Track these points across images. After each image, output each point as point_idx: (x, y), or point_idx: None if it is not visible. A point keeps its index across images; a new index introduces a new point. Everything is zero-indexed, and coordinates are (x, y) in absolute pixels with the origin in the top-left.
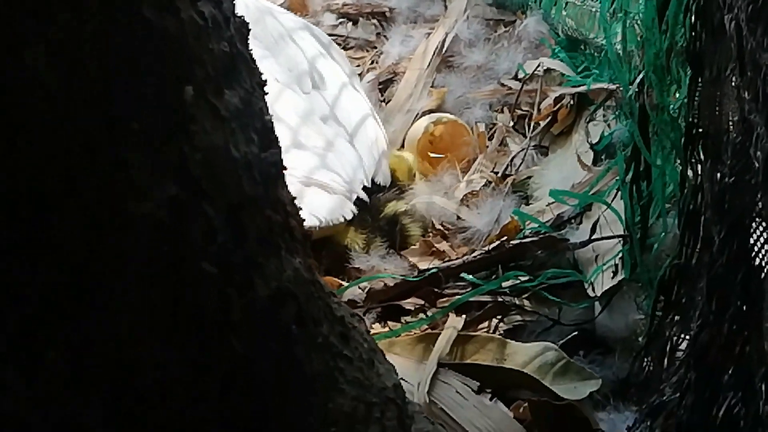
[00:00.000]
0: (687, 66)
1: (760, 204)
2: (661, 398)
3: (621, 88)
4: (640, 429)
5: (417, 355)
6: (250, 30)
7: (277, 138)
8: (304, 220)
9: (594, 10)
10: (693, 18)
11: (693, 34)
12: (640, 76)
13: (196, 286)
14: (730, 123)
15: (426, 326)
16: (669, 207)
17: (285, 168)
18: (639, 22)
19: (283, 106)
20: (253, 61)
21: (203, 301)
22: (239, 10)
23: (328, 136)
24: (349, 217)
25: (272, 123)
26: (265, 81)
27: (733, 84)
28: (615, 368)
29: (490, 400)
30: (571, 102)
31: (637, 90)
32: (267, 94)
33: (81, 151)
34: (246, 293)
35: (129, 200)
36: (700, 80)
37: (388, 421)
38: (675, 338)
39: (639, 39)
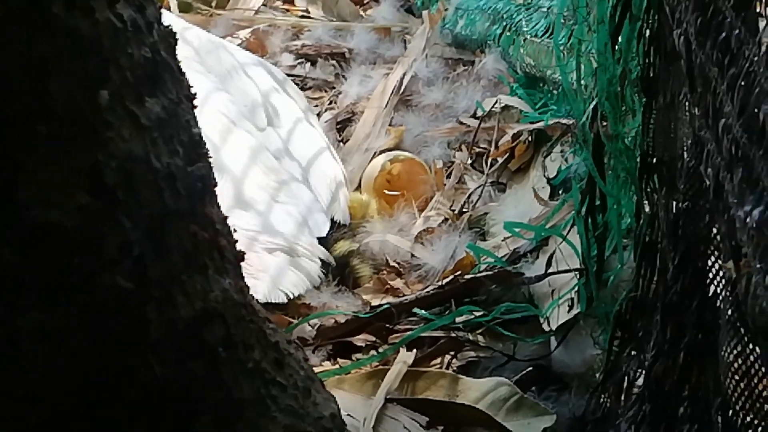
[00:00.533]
0: (641, 93)
1: (713, 227)
2: None
3: (577, 122)
4: None
5: (366, 392)
6: (177, 40)
7: (206, 153)
8: (236, 241)
9: (551, 47)
10: (646, 44)
11: (646, 60)
12: (593, 102)
13: (110, 302)
14: (685, 149)
15: (377, 363)
16: (626, 241)
17: (215, 184)
18: (593, 52)
19: (233, 146)
20: (181, 72)
21: (117, 318)
22: (191, 40)
23: (281, 176)
24: (317, 283)
25: (201, 137)
26: (194, 94)
27: (686, 107)
28: (571, 404)
29: None
30: (529, 138)
31: (590, 118)
32: (196, 107)
33: None
34: (166, 311)
35: (33, 207)
36: (654, 107)
37: None
38: (632, 373)
39: (594, 70)
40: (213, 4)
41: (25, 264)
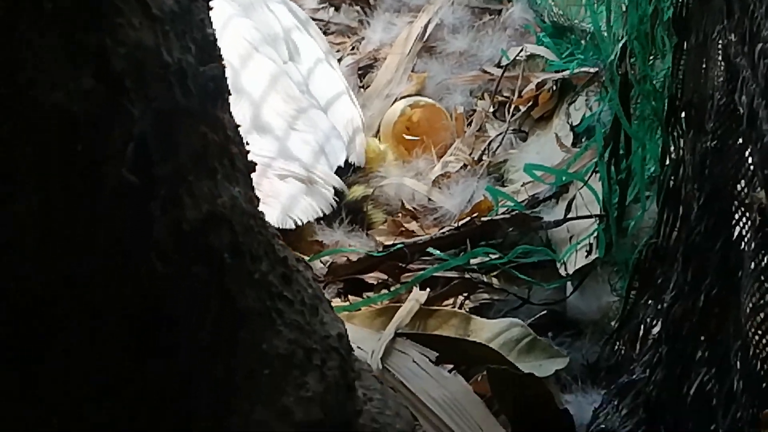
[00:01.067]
0: (672, 34)
1: (741, 167)
2: (631, 377)
3: (604, 68)
4: (608, 409)
5: (376, 328)
6: None
7: (220, 56)
8: (249, 151)
9: None
10: None
11: None
12: (622, 41)
13: (114, 195)
14: (715, 89)
15: (388, 301)
16: (648, 187)
17: (228, 92)
18: None
19: (253, 71)
20: None
21: (121, 211)
22: None
23: (301, 104)
24: (328, 211)
25: (215, 39)
26: None
27: (719, 46)
28: (585, 351)
29: (450, 372)
30: (554, 87)
31: (618, 58)
32: (211, 9)
33: None
34: (171, 210)
35: (36, 87)
36: (685, 47)
37: (329, 371)
38: (649, 321)
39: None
40: None
41: (25, 145)
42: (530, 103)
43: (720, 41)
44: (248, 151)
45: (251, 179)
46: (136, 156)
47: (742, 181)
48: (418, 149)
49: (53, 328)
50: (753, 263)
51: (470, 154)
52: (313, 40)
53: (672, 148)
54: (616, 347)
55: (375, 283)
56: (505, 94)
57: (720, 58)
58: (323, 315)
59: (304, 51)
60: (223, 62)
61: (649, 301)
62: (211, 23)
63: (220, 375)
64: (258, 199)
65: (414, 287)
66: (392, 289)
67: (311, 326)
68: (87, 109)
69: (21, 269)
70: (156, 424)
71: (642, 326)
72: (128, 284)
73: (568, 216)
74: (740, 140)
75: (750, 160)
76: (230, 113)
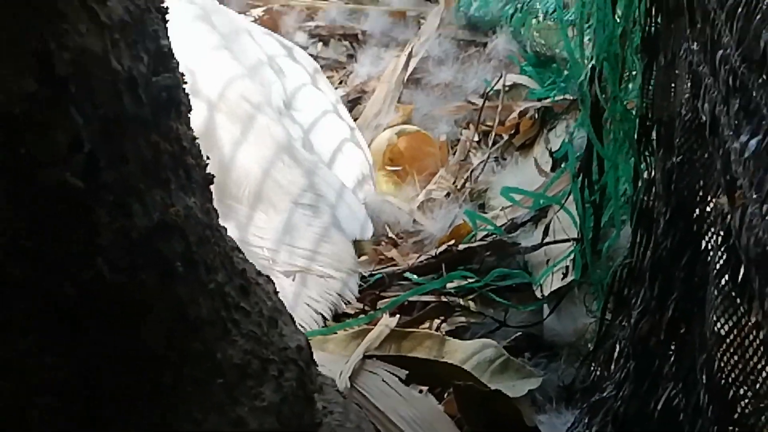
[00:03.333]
0: (641, 53)
1: (706, 180)
2: (602, 395)
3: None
4: (579, 428)
5: (349, 352)
6: None
7: (176, 67)
8: (207, 164)
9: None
10: (647, 2)
11: (647, 18)
12: (591, 63)
13: (58, 198)
14: (683, 106)
15: (364, 325)
16: (623, 215)
17: (185, 103)
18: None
19: (256, 139)
20: None
21: (65, 214)
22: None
23: (306, 166)
24: (342, 303)
25: (170, 50)
26: (167, 9)
27: (686, 63)
28: (561, 372)
29: (421, 393)
30: (536, 115)
31: (589, 79)
32: (167, 21)
33: None
34: (119, 218)
35: None
36: (654, 67)
37: (286, 381)
38: (623, 342)
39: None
40: None
41: None
42: (512, 131)
43: (686, 58)
44: (207, 164)
45: (210, 191)
46: (83, 161)
47: (707, 196)
48: (403, 177)
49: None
50: (717, 277)
51: (454, 182)
52: (321, 92)
53: (644, 168)
54: (592, 368)
55: (353, 312)
56: (489, 123)
57: (686, 74)
58: (282, 327)
59: (310, 103)
60: (180, 73)
61: (623, 323)
62: (166, 34)
63: (167, 382)
64: (216, 212)
65: (385, 313)
66: (369, 313)
67: (269, 337)
68: (29, 112)
69: None
70: (105, 429)
71: (616, 346)
72: (72, 287)
73: (546, 240)
74: (705, 155)
75: (714, 174)
76: (187, 125)
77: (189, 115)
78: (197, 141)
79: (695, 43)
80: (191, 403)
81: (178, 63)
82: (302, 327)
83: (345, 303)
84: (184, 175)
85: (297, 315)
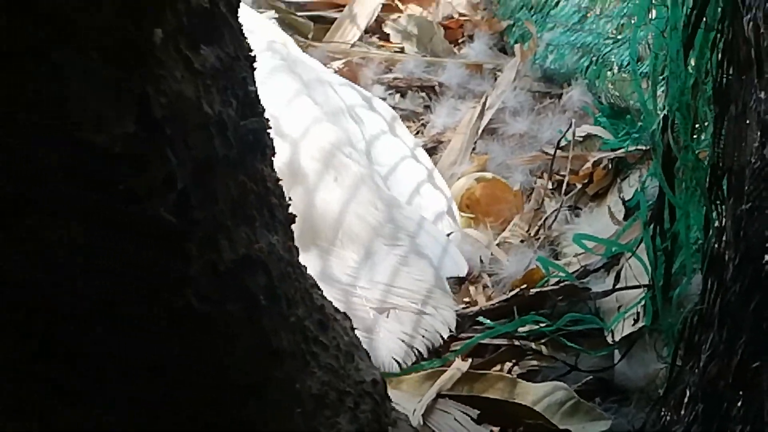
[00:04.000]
0: (713, 104)
1: None
2: None
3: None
4: None
5: (423, 392)
6: (239, 3)
7: (262, 113)
8: (289, 205)
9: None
10: (719, 53)
11: (719, 70)
12: (663, 112)
13: (153, 231)
14: (752, 155)
15: (437, 367)
16: (695, 263)
17: (272, 149)
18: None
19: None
20: (242, 33)
21: (159, 247)
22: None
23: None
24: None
25: (257, 96)
26: (254, 57)
27: (756, 113)
28: (631, 416)
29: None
30: (609, 165)
31: (661, 128)
32: (255, 69)
33: (25, 56)
34: (208, 251)
35: (82, 128)
36: (725, 117)
37: (362, 413)
38: (693, 387)
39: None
40: (309, 36)
41: (69, 182)
42: (586, 181)
43: (756, 108)
44: (289, 204)
45: (291, 230)
46: (176, 198)
47: None
48: (478, 224)
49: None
50: None
51: (528, 230)
52: (399, 139)
53: (715, 216)
54: (662, 413)
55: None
56: (563, 173)
57: (756, 124)
58: (359, 362)
59: (389, 149)
60: (266, 118)
61: (694, 368)
62: (253, 81)
63: (253, 411)
64: (297, 250)
65: (458, 357)
66: (443, 357)
67: (346, 371)
68: (128, 150)
69: (61, 303)
70: None
71: (687, 392)
72: (163, 318)
73: (617, 286)
74: None
75: None
76: (271, 166)
77: (273, 158)
78: (280, 182)
79: (763, 93)
80: (272, 431)
81: (264, 108)
82: (397, 362)
83: (442, 339)
84: (267, 214)
85: (391, 350)
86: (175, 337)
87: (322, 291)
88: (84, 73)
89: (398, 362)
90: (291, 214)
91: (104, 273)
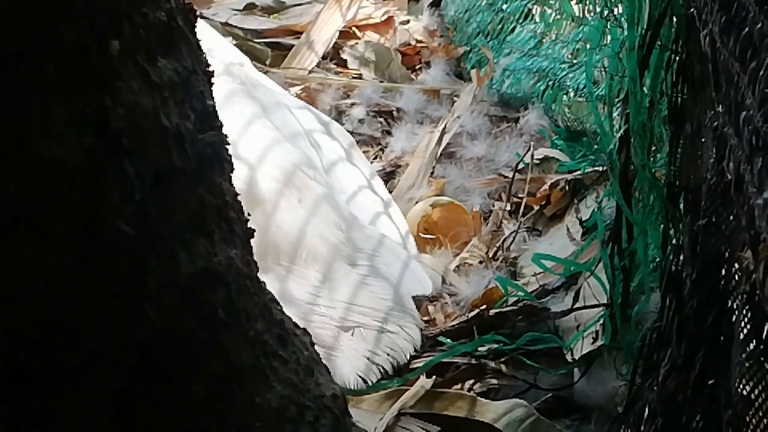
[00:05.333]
0: (669, 123)
1: (731, 241)
2: None
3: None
4: None
5: (383, 411)
6: (197, 18)
7: (220, 127)
8: (248, 220)
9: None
10: (674, 73)
11: (674, 89)
12: (620, 132)
13: (110, 244)
14: (708, 172)
15: (398, 386)
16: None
17: (230, 163)
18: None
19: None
20: (200, 48)
21: (117, 259)
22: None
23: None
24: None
25: (215, 110)
26: (212, 72)
27: (711, 131)
28: None
29: None
30: (566, 187)
31: (618, 147)
32: (212, 84)
33: None
34: (167, 265)
35: (41, 141)
36: (681, 136)
37: (322, 428)
38: (653, 404)
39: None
40: (267, 62)
41: (26, 197)
42: (543, 202)
43: (712, 125)
44: (248, 219)
45: (250, 245)
46: (134, 210)
47: (732, 256)
48: (436, 246)
49: (46, 372)
50: (742, 335)
51: (486, 252)
52: (356, 168)
53: (672, 233)
54: (622, 430)
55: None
56: (521, 195)
57: (712, 139)
58: (318, 377)
59: (344, 178)
60: (224, 132)
61: (653, 386)
62: (211, 95)
63: (212, 425)
64: (256, 265)
65: (421, 374)
66: (403, 375)
67: (305, 385)
68: (86, 163)
69: (18, 317)
70: None
71: (647, 409)
72: (122, 330)
73: (575, 306)
74: (729, 216)
75: (738, 234)
76: (230, 181)
77: (231, 174)
78: (238, 197)
79: (720, 106)
80: None
81: (222, 123)
82: (362, 379)
83: (407, 357)
84: (226, 228)
85: (356, 368)
86: (132, 354)
87: (281, 306)
88: (42, 85)
89: (363, 379)
90: (250, 228)
91: (63, 292)
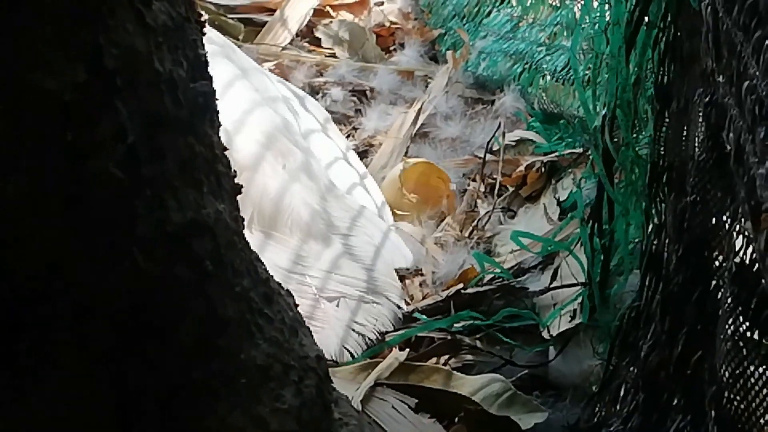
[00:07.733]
0: (654, 101)
1: (720, 218)
2: (609, 430)
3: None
4: None
5: (358, 382)
6: None
7: (210, 78)
8: (236, 175)
9: (568, 82)
10: (661, 51)
11: (661, 67)
12: (605, 109)
13: (100, 186)
14: (696, 148)
15: (371, 357)
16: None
17: (217, 111)
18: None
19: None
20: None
21: (106, 202)
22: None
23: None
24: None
25: (206, 61)
26: (204, 22)
27: (700, 109)
28: (566, 412)
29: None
30: (542, 169)
31: (601, 124)
32: (204, 34)
33: None
34: (156, 211)
35: (34, 71)
36: (666, 114)
37: (306, 388)
38: (629, 383)
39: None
40: (240, 38)
41: (16, 127)
42: (519, 183)
43: (700, 105)
44: (235, 174)
45: (237, 201)
46: (125, 153)
47: (720, 232)
48: (413, 215)
49: (38, 321)
50: (728, 311)
51: (461, 230)
52: (331, 140)
53: (654, 212)
54: (597, 409)
55: None
56: (495, 176)
57: (701, 119)
58: (303, 338)
59: (321, 150)
60: (213, 82)
61: (630, 365)
62: (203, 45)
63: (198, 377)
64: (243, 220)
65: (395, 347)
66: (376, 346)
67: (290, 345)
68: (79, 100)
69: (6, 257)
70: (137, 419)
71: (623, 387)
72: (112, 276)
73: (553, 284)
74: (718, 193)
75: (729, 209)
76: (218, 134)
77: (219, 128)
78: (227, 152)
79: (721, 76)
80: (217, 399)
81: (212, 76)
82: (347, 350)
83: (392, 326)
84: (215, 181)
85: (341, 338)
86: (122, 300)
87: (265, 265)
88: (35, 17)
89: (349, 351)
90: (237, 184)
91: (52, 233)
